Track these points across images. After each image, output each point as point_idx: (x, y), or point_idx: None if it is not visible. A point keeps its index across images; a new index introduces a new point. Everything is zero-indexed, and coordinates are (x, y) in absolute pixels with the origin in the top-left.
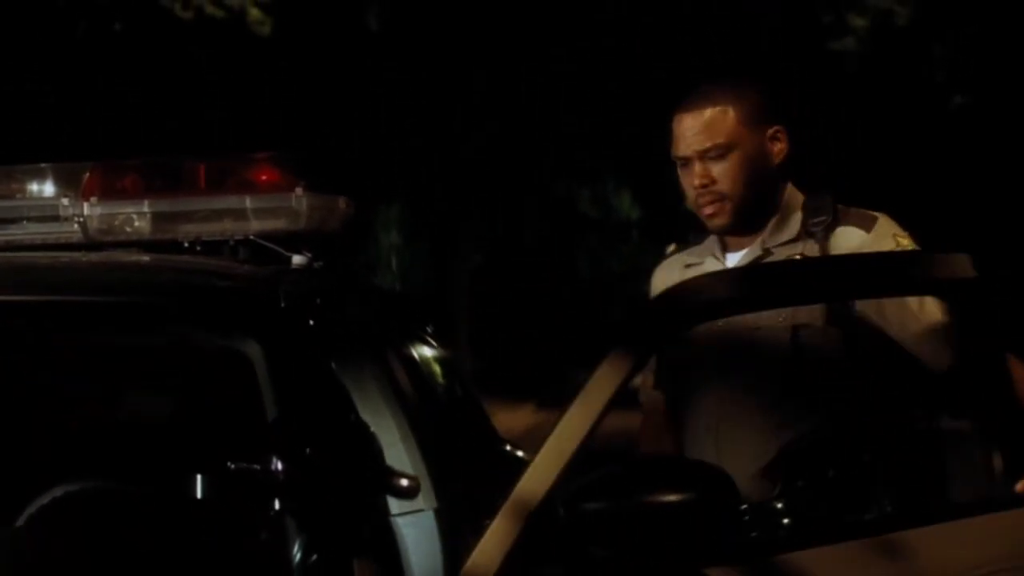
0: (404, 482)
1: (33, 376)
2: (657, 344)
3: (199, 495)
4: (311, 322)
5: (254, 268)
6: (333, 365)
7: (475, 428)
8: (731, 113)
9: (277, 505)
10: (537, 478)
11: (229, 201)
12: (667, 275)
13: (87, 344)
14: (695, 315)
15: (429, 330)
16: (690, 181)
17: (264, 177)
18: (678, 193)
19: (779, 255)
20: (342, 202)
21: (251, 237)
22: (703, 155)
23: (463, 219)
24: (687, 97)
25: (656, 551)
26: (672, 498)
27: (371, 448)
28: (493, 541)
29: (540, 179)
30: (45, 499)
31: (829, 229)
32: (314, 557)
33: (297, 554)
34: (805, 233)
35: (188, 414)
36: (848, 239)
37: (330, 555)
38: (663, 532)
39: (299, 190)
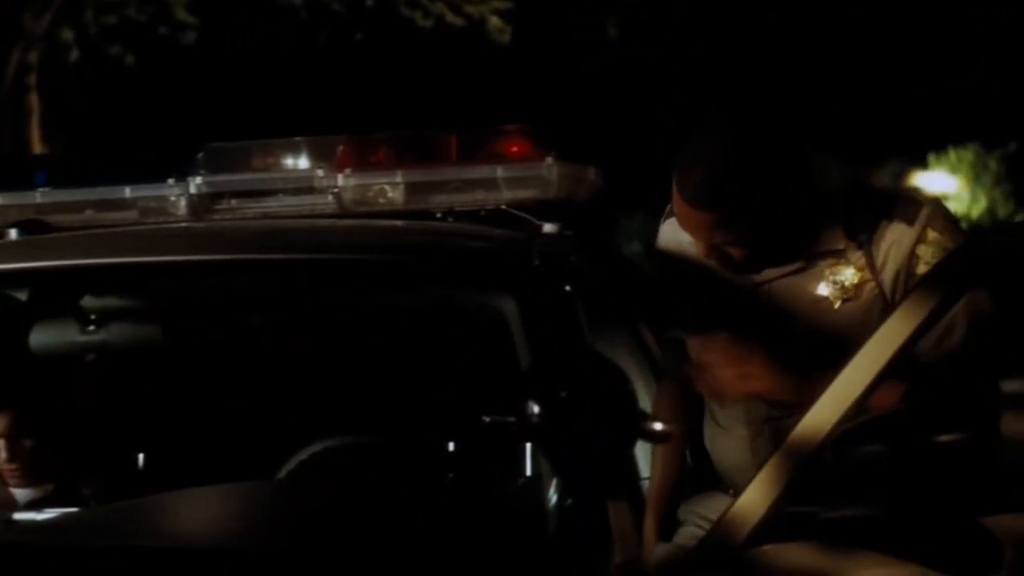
0: (658, 426)
1: (297, 334)
2: (961, 292)
3: (456, 447)
4: (563, 281)
5: (508, 232)
6: (585, 322)
7: None
8: (742, 213)
9: (529, 454)
10: (815, 423)
11: (481, 171)
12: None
13: (350, 302)
14: (1006, 266)
15: None
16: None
17: (515, 148)
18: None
19: (821, 267)
20: (591, 172)
21: (502, 206)
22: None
23: None
24: (689, 173)
25: (930, 496)
26: (948, 439)
27: (625, 394)
28: (761, 486)
29: None
30: (305, 454)
31: (872, 230)
32: (569, 501)
33: (552, 498)
34: (849, 240)
35: (445, 369)
36: (892, 236)
37: (585, 499)
38: (939, 476)
39: (549, 160)
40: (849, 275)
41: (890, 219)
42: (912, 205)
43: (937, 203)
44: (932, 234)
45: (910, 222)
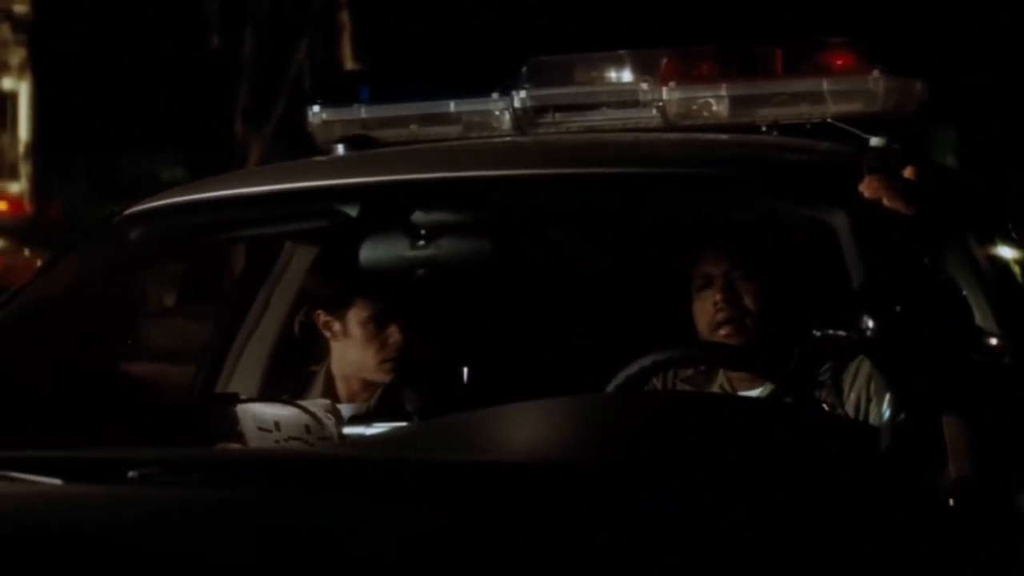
0: (993, 341)
1: (623, 248)
2: None
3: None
4: None
5: (835, 146)
6: (917, 236)
7: None
8: None
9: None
10: None
11: (806, 84)
12: None
13: (677, 216)
14: None
15: (1010, 226)
16: None
17: (840, 61)
18: None
19: None
20: (918, 85)
21: (828, 120)
22: None
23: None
24: None
25: None
26: None
27: (960, 308)
28: None
29: None
30: (634, 367)
31: None
32: (902, 416)
33: (885, 412)
34: None
35: (772, 284)
36: None
37: (919, 413)
38: None
39: (876, 72)
40: None
41: None
42: None
43: None
44: None
45: None
